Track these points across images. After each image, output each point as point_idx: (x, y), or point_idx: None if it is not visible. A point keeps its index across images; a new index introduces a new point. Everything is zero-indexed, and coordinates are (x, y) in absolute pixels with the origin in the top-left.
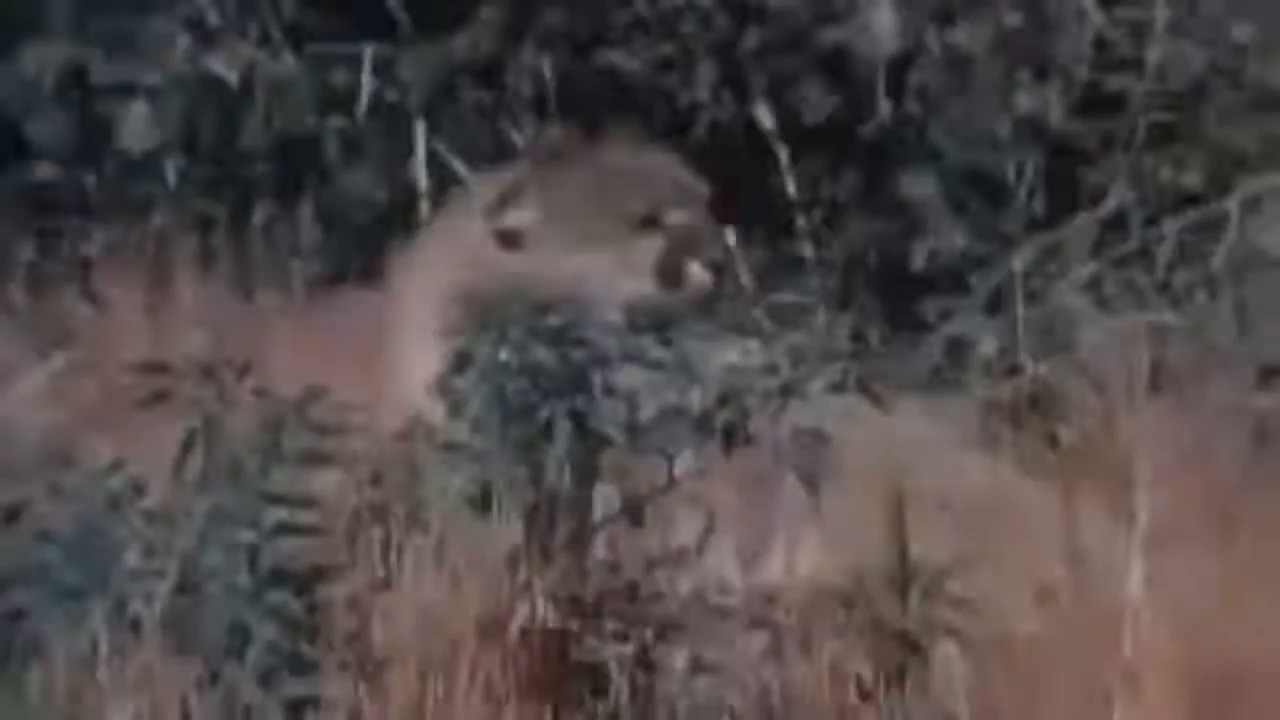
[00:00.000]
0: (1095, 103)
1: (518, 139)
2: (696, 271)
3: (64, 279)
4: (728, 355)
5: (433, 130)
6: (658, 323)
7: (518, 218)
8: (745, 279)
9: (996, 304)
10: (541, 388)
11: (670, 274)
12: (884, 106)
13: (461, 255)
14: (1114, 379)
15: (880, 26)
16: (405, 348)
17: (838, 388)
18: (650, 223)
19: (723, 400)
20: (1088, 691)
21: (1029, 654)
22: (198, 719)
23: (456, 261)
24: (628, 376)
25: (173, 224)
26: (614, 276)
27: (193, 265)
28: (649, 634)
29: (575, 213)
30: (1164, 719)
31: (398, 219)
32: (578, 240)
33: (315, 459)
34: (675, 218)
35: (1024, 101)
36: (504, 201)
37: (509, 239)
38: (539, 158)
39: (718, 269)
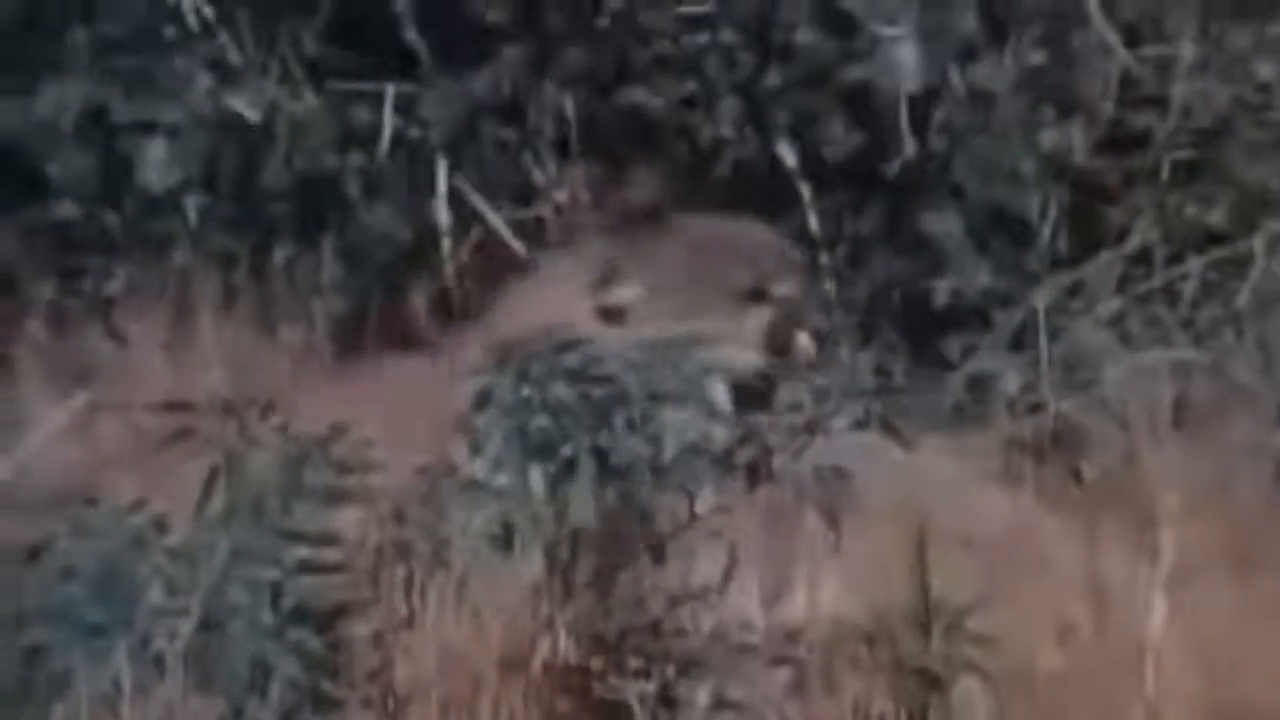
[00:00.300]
0: (1120, 140)
1: (539, 177)
2: (804, 340)
3: (85, 317)
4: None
5: (455, 168)
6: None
7: (621, 294)
8: None
9: (1020, 341)
10: (563, 425)
11: (779, 344)
12: (907, 143)
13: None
14: (1137, 416)
15: (903, 64)
16: None
17: (860, 425)
18: (758, 296)
19: (745, 437)
20: None
21: (1051, 691)
22: None
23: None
24: (650, 413)
25: (194, 262)
26: (721, 348)
27: (214, 303)
28: (671, 671)
29: (678, 286)
30: None
31: (420, 257)
32: (682, 313)
33: (337, 496)
34: (781, 289)
35: (1048, 139)
36: (607, 280)
37: (612, 315)
38: (631, 226)
39: (821, 337)
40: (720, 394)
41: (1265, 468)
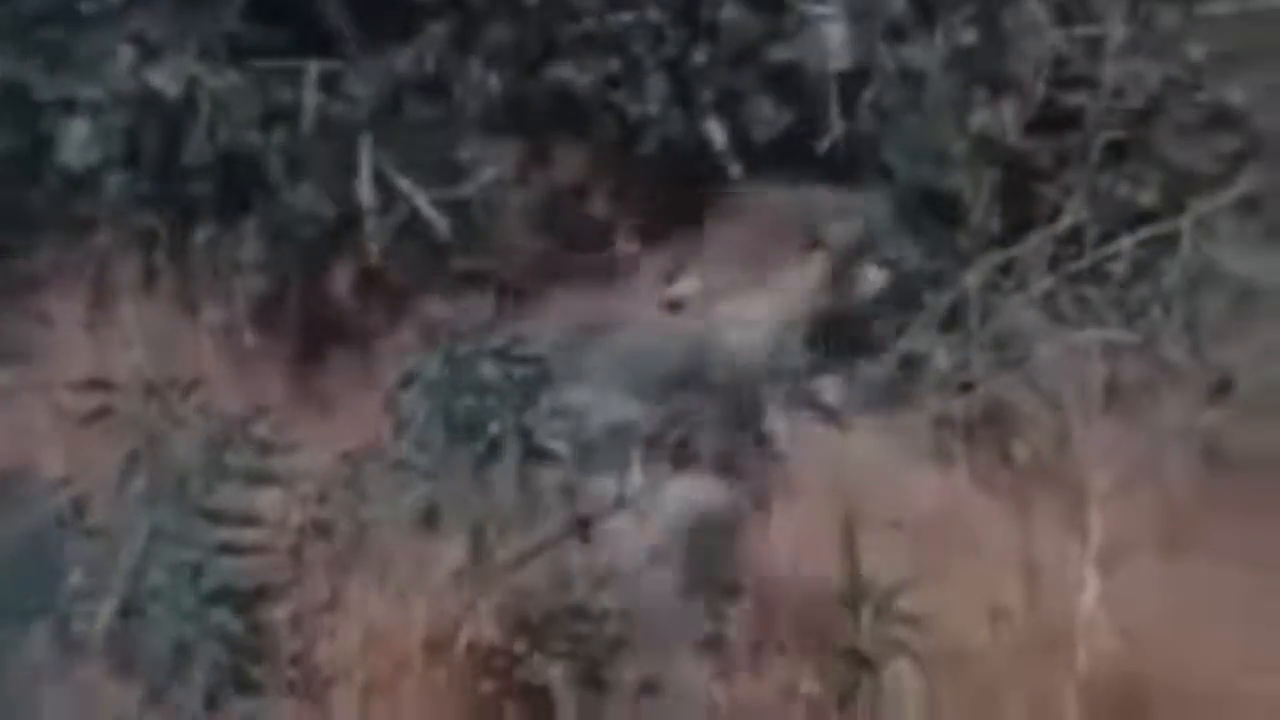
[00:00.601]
0: (1051, 120)
1: (465, 155)
2: (872, 273)
3: (8, 296)
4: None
5: (379, 146)
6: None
7: (684, 287)
8: None
9: (951, 321)
10: (488, 405)
11: (842, 281)
12: (836, 123)
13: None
14: (1068, 395)
15: (831, 42)
16: None
17: (790, 405)
18: (815, 245)
19: (672, 418)
20: (1041, 707)
21: (982, 670)
22: None
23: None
24: (576, 394)
25: (115, 241)
26: (784, 299)
27: (135, 282)
28: (597, 653)
29: (738, 269)
30: None
31: (343, 236)
32: (747, 283)
33: (259, 477)
34: (836, 232)
35: (979, 118)
36: (672, 276)
37: (676, 306)
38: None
39: (892, 265)
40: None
41: (1194, 447)
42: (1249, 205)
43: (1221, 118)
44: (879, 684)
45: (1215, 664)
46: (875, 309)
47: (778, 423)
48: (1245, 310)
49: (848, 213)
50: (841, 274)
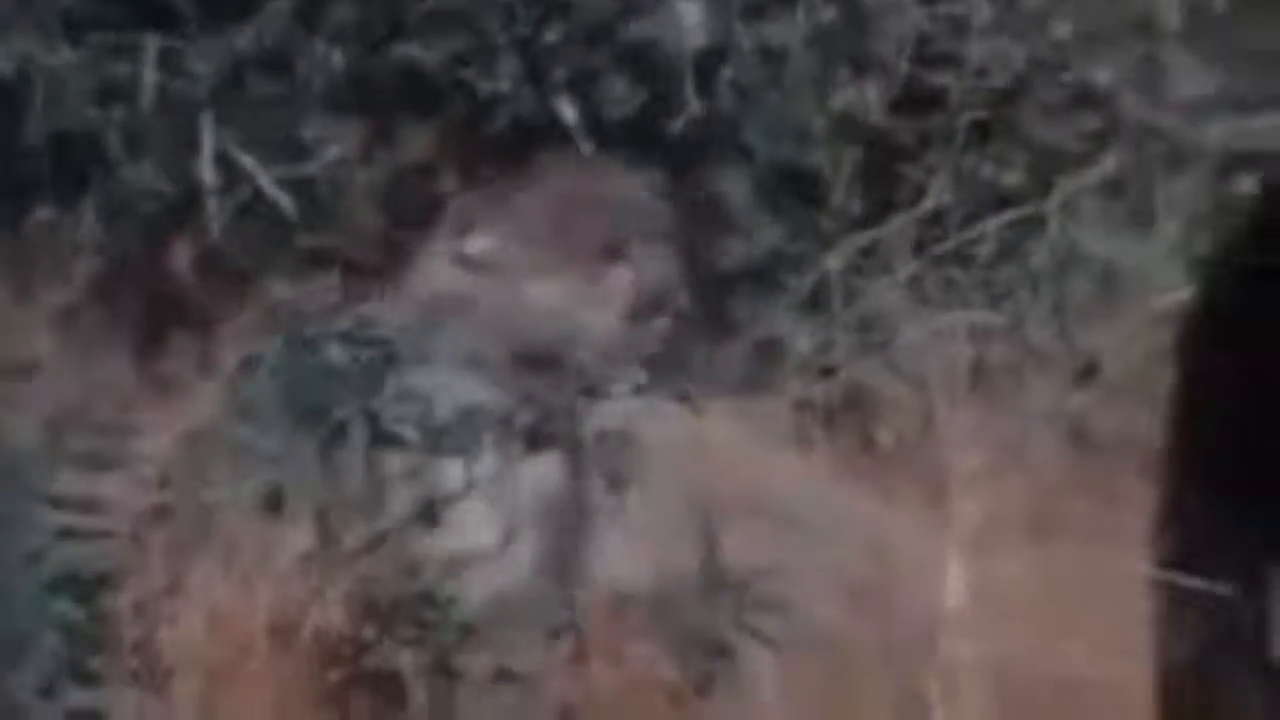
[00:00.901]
0: (914, 99)
1: (309, 134)
2: (662, 323)
3: None
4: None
5: (221, 124)
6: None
7: (476, 244)
8: None
9: (813, 303)
10: (334, 389)
11: (641, 316)
12: (693, 102)
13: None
14: (933, 379)
15: (686, 20)
16: None
17: (645, 389)
18: (616, 254)
19: (524, 401)
20: (903, 695)
21: (844, 657)
22: None
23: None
24: (423, 377)
25: None
26: (581, 309)
27: None
28: (447, 641)
29: (537, 238)
30: None
31: (185, 215)
32: (541, 267)
33: (99, 461)
34: (640, 253)
35: (841, 97)
36: (464, 230)
37: (471, 264)
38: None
39: (682, 316)
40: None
41: (1061, 431)
42: (1113, 187)
43: (1086, 98)
44: (735, 671)
45: (1080, 648)
46: (732, 291)
47: (629, 405)
48: (1110, 293)
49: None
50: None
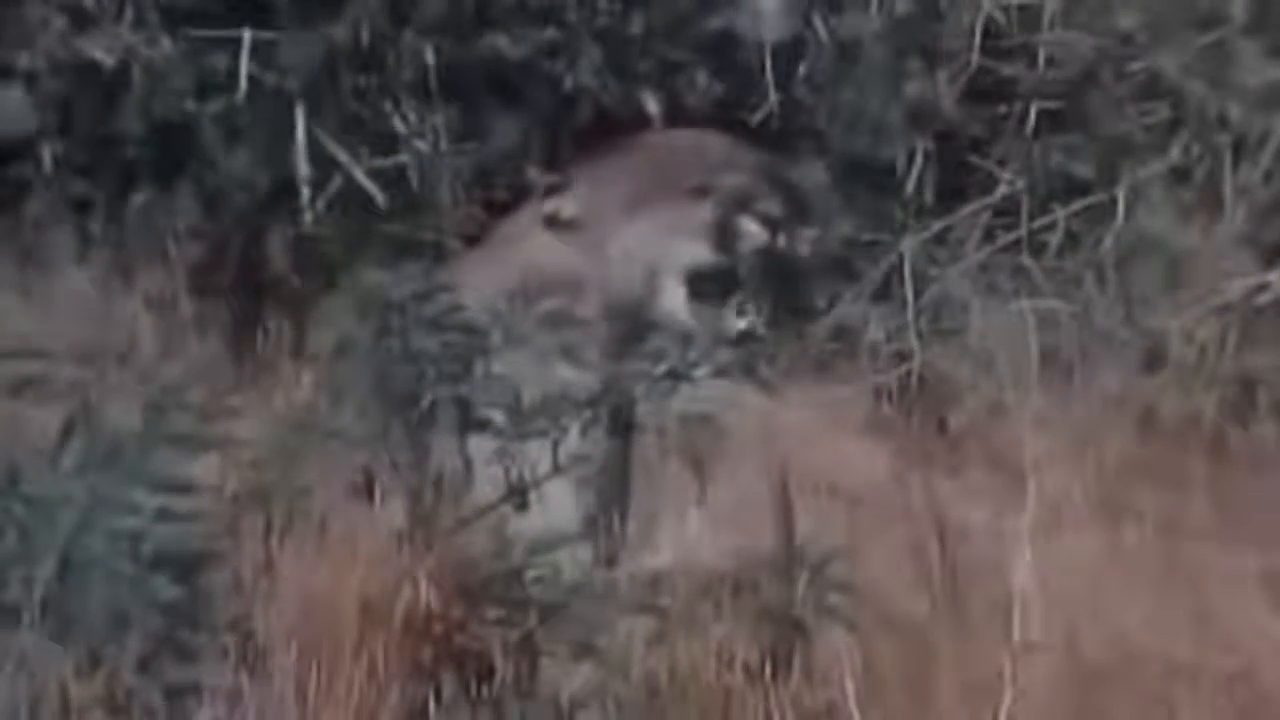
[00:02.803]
0: (985, 90)
1: (400, 125)
2: (752, 228)
3: None
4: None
5: (313, 116)
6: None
7: (563, 204)
8: None
9: (885, 291)
10: (424, 375)
11: (728, 234)
12: (772, 93)
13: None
14: (1003, 365)
15: (766, 13)
16: None
17: (724, 374)
18: (703, 191)
19: (608, 385)
20: (975, 675)
21: (917, 638)
22: (77, 706)
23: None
24: (512, 362)
25: (50, 209)
26: (668, 243)
27: (71, 250)
28: (533, 619)
29: (623, 189)
30: (1050, 703)
31: (278, 205)
32: (628, 210)
33: (195, 444)
34: (725, 181)
35: (914, 88)
36: (552, 190)
37: (559, 224)
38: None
39: (771, 223)
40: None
41: (1129, 417)
42: (1180, 175)
43: (1154, 87)
44: (813, 650)
45: (1148, 631)
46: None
47: (710, 389)
48: (1177, 280)
49: (741, 164)
50: (725, 224)
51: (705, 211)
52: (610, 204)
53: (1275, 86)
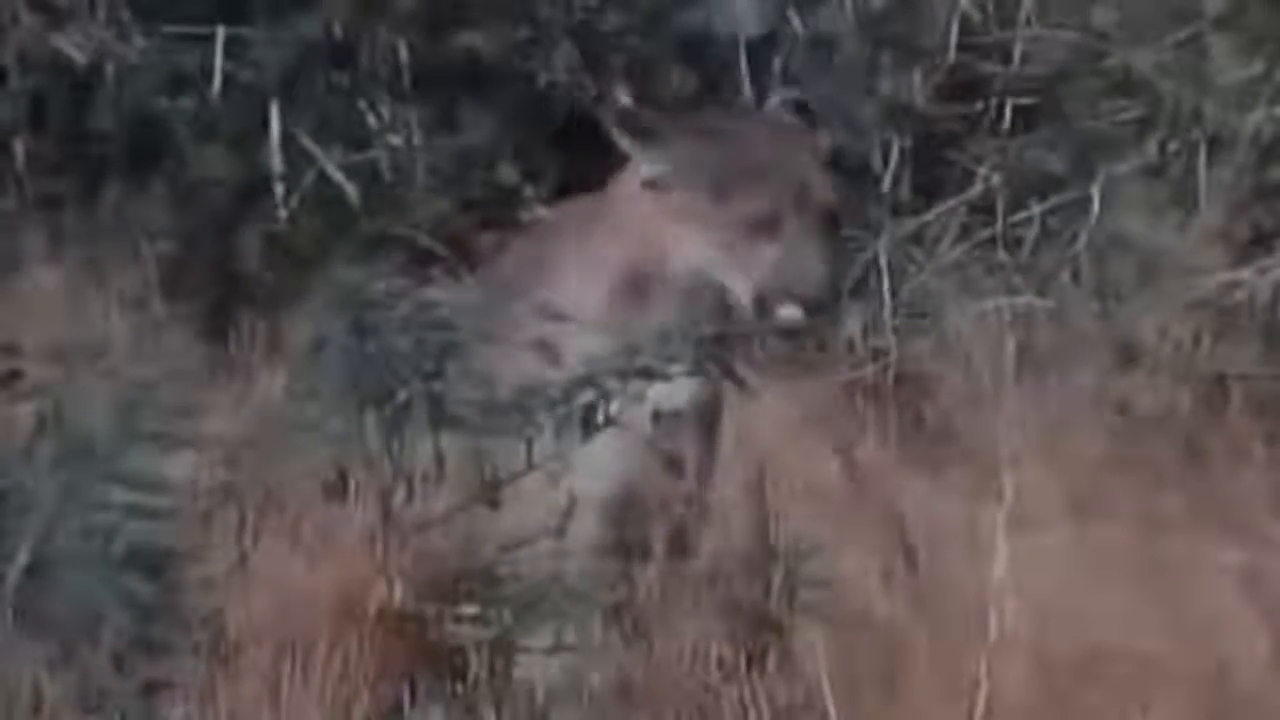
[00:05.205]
0: (961, 87)
1: (373, 121)
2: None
3: None
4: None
5: (287, 112)
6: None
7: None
8: None
9: (862, 286)
10: (397, 371)
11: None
12: (746, 88)
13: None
14: (979, 361)
15: (741, 9)
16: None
17: (700, 370)
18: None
19: (582, 382)
20: (950, 672)
21: (892, 634)
22: (50, 702)
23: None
24: (485, 358)
25: (21, 205)
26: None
27: (43, 246)
28: (507, 616)
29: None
30: (1025, 699)
31: (252, 200)
32: (714, 191)
33: (168, 441)
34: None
35: (889, 85)
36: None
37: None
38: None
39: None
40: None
41: (1104, 413)
42: (1155, 172)
43: (1127, 85)
44: (788, 647)
45: (1124, 628)
46: None
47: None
48: (1151, 276)
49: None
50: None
51: (774, 250)
52: (698, 188)
53: (1249, 84)
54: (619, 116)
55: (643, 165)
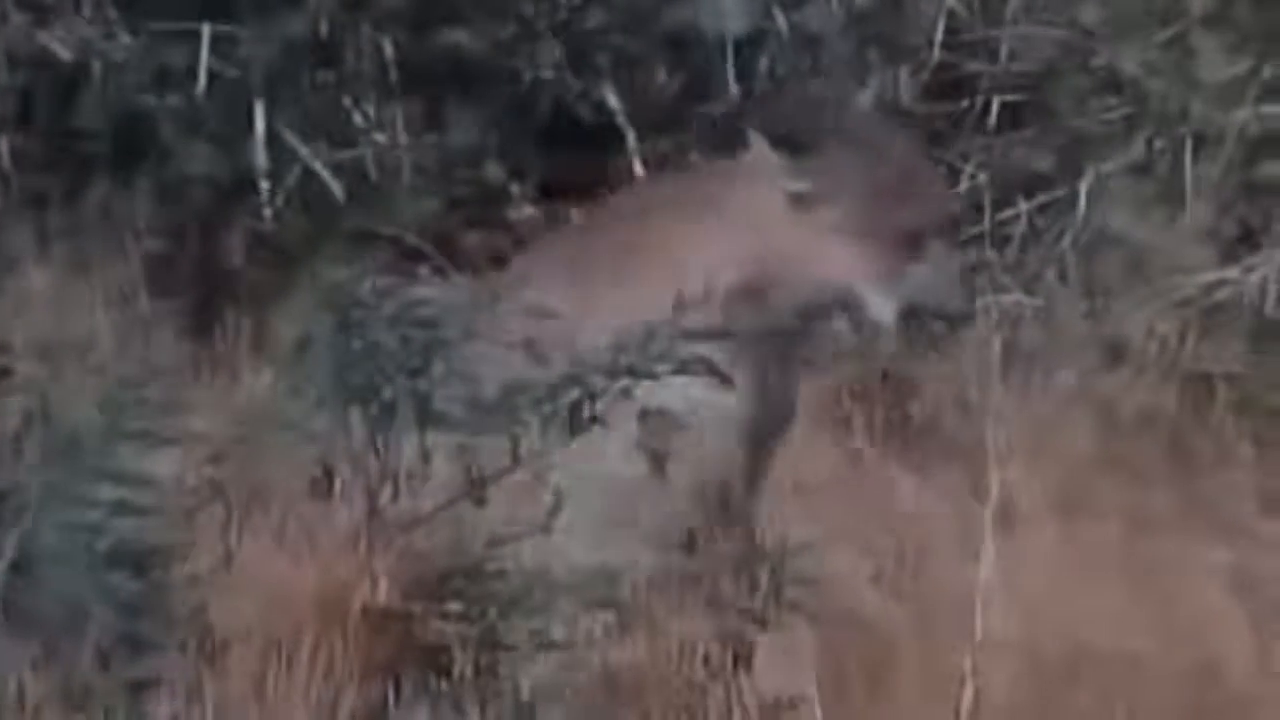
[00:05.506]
0: (947, 84)
1: (359, 119)
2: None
3: None
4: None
5: (273, 109)
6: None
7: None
8: None
9: None
10: (383, 369)
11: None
12: (732, 87)
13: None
14: (967, 360)
15: (726, 6)
16: None
17: (685, 368)
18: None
19: (568, 380)
20: (938, 669)
21: (880, 635)
22: (34, 700)
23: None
24: (471, 356)
25: (7, 202)
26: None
27: (29, 243)
28: (493, 613)
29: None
30: (1011, 698)
31: (238, 198)
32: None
33: (154, 439)
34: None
35: (875, 83)
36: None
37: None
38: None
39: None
40: None
41: (1091, 412)
42: (1142, 170)
43: (1115, 82)
44: (776, 645)
45: (1110, 627)
46: None
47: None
48: (1138, 274)
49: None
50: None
51: (920, 267)
52: (847, 204)
53: (1235, 82)
54: (762, 124)
55: (785, 179)
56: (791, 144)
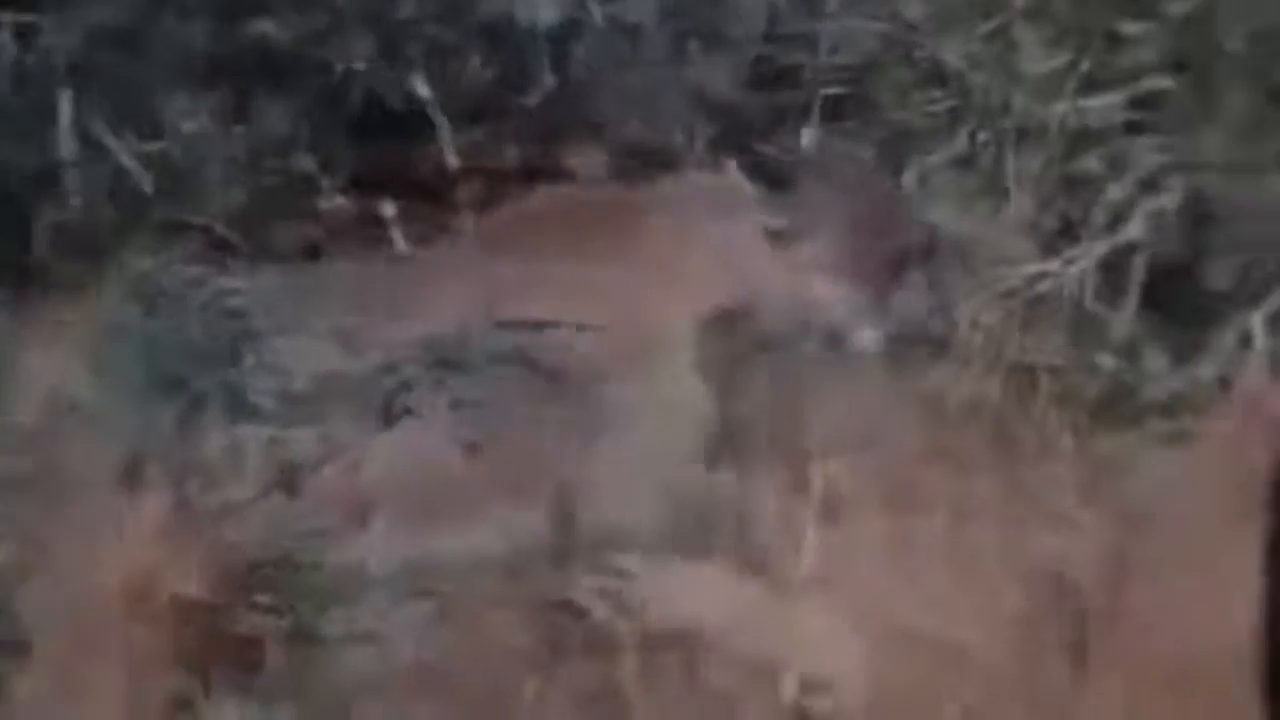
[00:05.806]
0: (768, 76)
1: (166, 110)
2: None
3: None
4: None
5: (79, 99)
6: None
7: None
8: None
9: None
10: (192, 360)
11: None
12: (547, 77)
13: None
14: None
15: None
16: None
17: (500, 360)
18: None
19: (383, 370)
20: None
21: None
22: None
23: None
24: (282, 348)
25: None
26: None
27: None
28: (305, 606)
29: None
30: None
31: (43, 189)
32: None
33: None
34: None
35: (694, 74)
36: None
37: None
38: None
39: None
40: None
41: (917, 402)
42: (963, 162)
43: (937, 75)
44: (592, 636)
45: (935, 616)
46: None
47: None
48: (962, 266)
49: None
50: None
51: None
52: (830, 248)
53: (1056, 75)
54: (743, 162)
55: (763, 215)
56: (768, 177)
